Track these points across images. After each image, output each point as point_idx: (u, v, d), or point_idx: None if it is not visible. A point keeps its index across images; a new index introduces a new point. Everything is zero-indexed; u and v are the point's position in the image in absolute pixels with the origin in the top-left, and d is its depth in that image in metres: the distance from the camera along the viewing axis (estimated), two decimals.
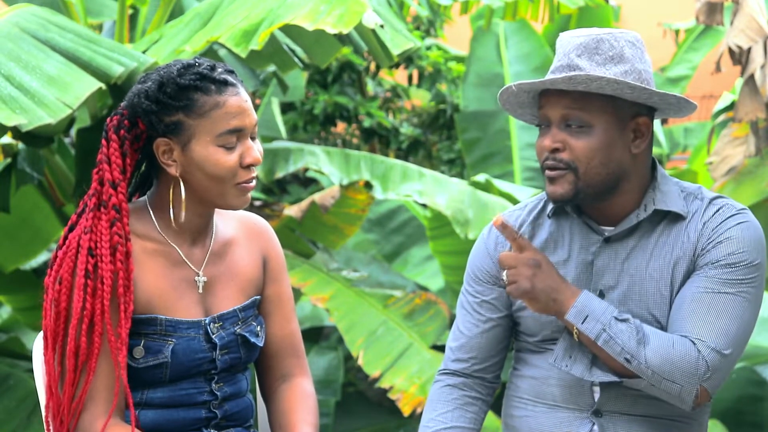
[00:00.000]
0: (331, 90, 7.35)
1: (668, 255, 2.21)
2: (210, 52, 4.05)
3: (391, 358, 4.31)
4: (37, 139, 3.84)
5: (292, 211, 4.92)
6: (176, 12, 4.66)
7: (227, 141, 2.14)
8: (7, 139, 4.24)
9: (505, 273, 2.17)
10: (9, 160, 4.35)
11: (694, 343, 2.13)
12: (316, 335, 6.40)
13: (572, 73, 2.12)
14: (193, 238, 2.22)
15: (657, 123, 8.26)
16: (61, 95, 3.32)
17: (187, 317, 2.18)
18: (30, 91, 3.30)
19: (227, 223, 2.31)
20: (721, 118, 5.53)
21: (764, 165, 5.02)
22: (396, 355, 4.32)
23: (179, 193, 2.17)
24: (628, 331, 2.13)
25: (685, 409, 2.16)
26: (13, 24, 3.54)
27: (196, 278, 2.21)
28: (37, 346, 2.24)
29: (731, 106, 5.45)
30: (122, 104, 2.19)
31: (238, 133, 2.15)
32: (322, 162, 4.91)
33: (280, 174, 4.92)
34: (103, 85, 3.43)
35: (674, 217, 2.23)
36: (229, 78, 2.16)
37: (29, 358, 4.44)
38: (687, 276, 2.20)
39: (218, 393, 2.23)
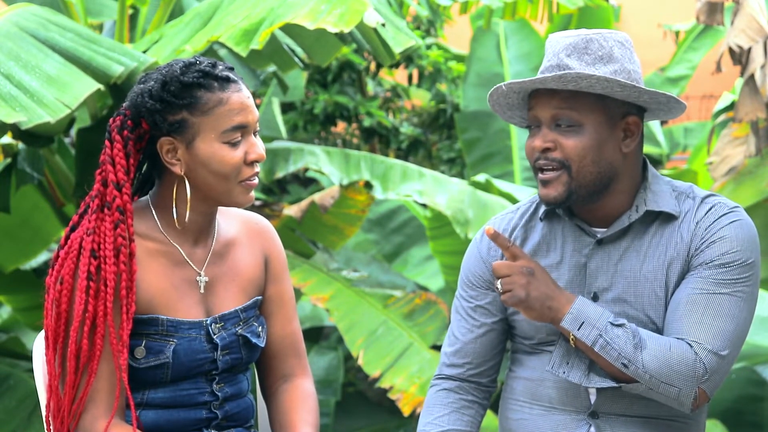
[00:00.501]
0: (331, 89, 7.34)
1: (662, 256, 2.20)
2: (210, 51, 4.05)
3: (391, 358, 4.31)
4: (37, 138, 3.84)
5: (292, 211, 4.92)
6: (176, 12, 4.66)
7: (232, 137, 2.14)
8: (7, 139, 4.24)
9: (499, 282, 2.17)
10: (9, 160, 4.35)
11: (691, 346, 2.13)
12: (316, 335, 6.40)
13: (562, 72, 2.12)
14: (195, 238, 2.22)
15: (657, 123, 8.27)
16: (60, 95, 3.32)
17: (188, 317, 2.18)
18: (30, 91, 3.30)
19: (229, 222, 2.30)
20: (721, 118, 5.53)
21: (764, 165, 5.01)
22: (396, 355, 4.32)
23: (183, 192, 2.17)
24: (624, 336, 2.13)
25: (684, 411, 2.16)
26: (13, 23, 3.54)
27: (198, 278, 2.21)
28: (38, 346, 2.24)
29: (731, 106, 5.45)
30: (124, 104, 2.18)
31: (242, 129, 2.15)
32: (322, 162, 4.91)
33: (280, 174, 4.92)
34: (102, 86, 3.42)
35: (667, 217, 2.22)
36: (231, 75, 2.16)
37: (29, 358, 4.44)
38: (682, 276, 2.20)
39: (219, 393, 2.22)
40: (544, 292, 2.15)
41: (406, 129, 7.64)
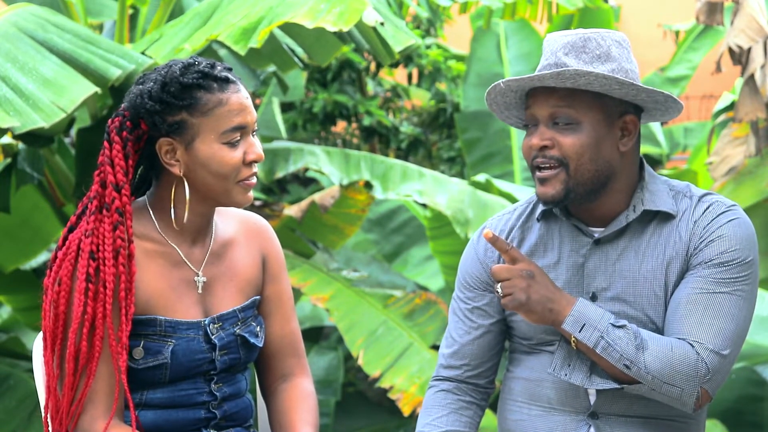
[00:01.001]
0: (331, 88, 7.35)
1: (660, 255, 2.20)
2: (210, 51, 4.05)
3: (391, 358, 4.31)
4: (37, 139, 3.84)
5: (292, 211, 4.92)
6: (176, 12, 4.66)
7: (231, 138, 2.14)
8: (7, 139, 4.24)
9: (499, 285, 2.16)
10: (9, 160, 4.35)
11: (693, 346, 2.12)
12: (316, 335, 6.40)
13: (561, 69, 2.11)
14: (193, 238, 2.22)
15: (656, 123, 8.26)
16: (56, 98, 3.31)
17: (186, 318, 2.18)
18: (25, 94, 3.30)
19: (227, 222, 2.30)
20: (721, 118, 5.53)
21: (764, 165, 5.01)
22: (396, 355, 4.32)
23: (181, 193, 2.17)
24: (626, 337, 2.12)
25: (686, 411, 2.15)
26: (12, 24, 3.54)
27: (196, 278, 2.21)
28: (37, 346, 2.24)
29: (731, 106, 5.45)
30: (123, 105, 2.18)
31: (241, 130, 2.15)
32: (322, 162, 4.91)
33: (280, 174, 4.93)
34: (98, 90, 3.42)
35: (664, 217, 2.22)
36: (230, 75, 2.16)
37: (29, 358, 4.44)
38: (681, 276, 2.19)
39: (217, 393, 2.22)
40: (544, 295, 2.14)
41: (406, 128, 7.64)
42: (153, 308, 2.15)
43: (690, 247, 2.19)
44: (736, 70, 5.96)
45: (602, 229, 2.23)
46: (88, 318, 2.08)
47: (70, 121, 4.20)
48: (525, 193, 5.14)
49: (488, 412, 3.83)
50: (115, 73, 3.46)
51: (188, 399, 2.20)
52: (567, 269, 2.24)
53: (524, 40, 7.09)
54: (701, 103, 10.29)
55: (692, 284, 2.16)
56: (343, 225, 5.23)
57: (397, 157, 7.72)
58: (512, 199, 4.95)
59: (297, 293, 4.37)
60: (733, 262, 2.16)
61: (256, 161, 2.17)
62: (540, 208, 2.29)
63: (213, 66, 2.16)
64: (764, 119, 4.93)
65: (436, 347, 4.46)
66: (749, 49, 4.85)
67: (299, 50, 4.42)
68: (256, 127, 2.19)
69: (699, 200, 2.23)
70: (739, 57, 4.89)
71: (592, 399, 2.21)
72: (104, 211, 2.12)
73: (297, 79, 6.39)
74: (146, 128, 2.15)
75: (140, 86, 2.16)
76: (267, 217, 4.70)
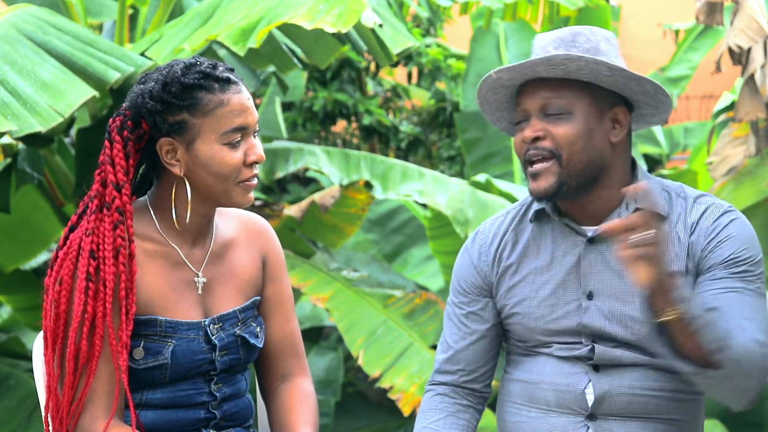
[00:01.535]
0: (331, 87, 7.35)
1: None
2: (209, 51, 4.05)
3: (391, 358, 4.31)
4: (36, 139, 3.84)
5: (292, 211, 4.92)
6: (176, 12, 4.66)
7: (232, 139, 2.14)
8: (7, 139, 4.24)
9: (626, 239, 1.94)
10: (9, 160, 4.35)
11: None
12: (316, 335, 6.41)
13: (551, 54, 2.11)
14: (193, 239, 2.22)
15: None
16: (53, 102, 3.31)
17: (186, 318, 2.18)
18: (23, 97, 3.30)
19: (227, 223, 2.30)
20: (721, 118, 5.53)
21: (764, 165, 5.01)
22: (396, 355, 4.32)
23: (182, 193, 2.17)
24: (716, 319, 2.02)
25: (739, 408, 2.09)
26: (11, 25, 3.53)
27: (196, 279, 2.21)
28: (37, 346, 2.24)
29: (731, 106, 5.45)
30: (124, 105, 2.18)
31: (242, 131, 2.15)
32: (322, 162, 4.91)
33: (280, 174, 4.93)
34: (96, 93, 3.42)
35: (659, 217, 2.21)
36: (231, 76, 2.16)
37: (29, 358, 4.44)
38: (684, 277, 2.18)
39: (217, 394, 2.23)
40: (666, 255, 1.98)
41: (406, 127, 7.65)
42: (153, 308, 2.15)
43: (694, 250, 2.18)
44: (736, 70, 5.96)
45: (595, 227, 2.22)
46: (88, 317, 2.08)
47: (70, 121, 4.20)
48: (525, 193, 5.12)
49: (488, 411, 3.83)
50: (113, 76, 3.46)
51: (188, 399, 2.20)
52: (562, 269, 2.23)
53: (524, 40, 7.10)
54: (701, 103, 10.29)
55: (717, 285, 2.13)
56: (343, 225, 5.24)
57: (397, 156, 7.73)
58: (512, 199, 4.96)
59: (297, 293, 4.37)
60: (749, 260, 2.15)
61: (256, 162, 2.17)
62: (533, 209, 2.29)
63: (215, 66, 2.16)
64: (764, 119, 4.93)
65: (436, 347, 4.46)
66: (749, 49, 4.85)
67: (299, 51, 4.42)
68: (257, 128, 2.19)
69: (694, 202, 2.22)
70: (739, 57, 4.89)
71: (590, 401, 2.20)
72: (104, 211, 2.12)
73: (297, 79, 6.39)
74: (147, 128, 2.15)
75: (142, 86, 2.17)
76: (267, 217, 4.70)
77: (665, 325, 2.02)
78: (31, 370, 4.08)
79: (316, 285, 4.53)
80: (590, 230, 2.22)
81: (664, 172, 6.84)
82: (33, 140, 3.87)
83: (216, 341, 2.20)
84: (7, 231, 4.71)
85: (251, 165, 2.16)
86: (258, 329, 2.28)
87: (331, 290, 4.53)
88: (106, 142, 2.15)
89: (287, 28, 3.72)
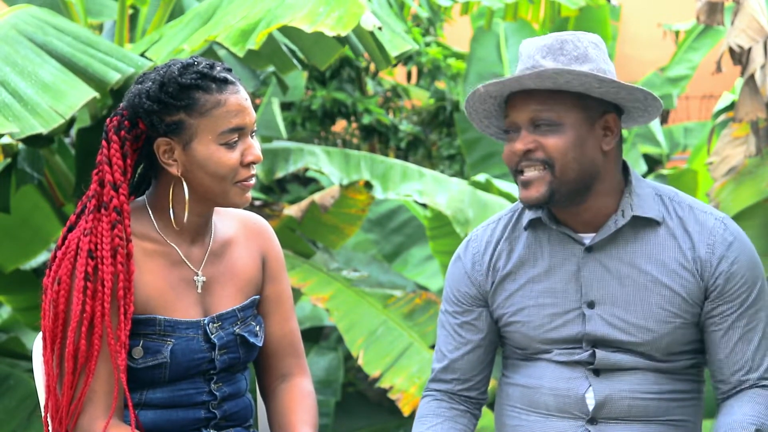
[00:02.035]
0: (330, 86, 7.34)
1: (659, 262, 2.18)
2: (209, 52, 4.05)
3: (391, 358, 4.31)
4: (36, 139, 3.84)
5: (292, 211, 4.93)
6: (176, 12, 4.66)
7: (229, 139, 2.14)
8: (7, 139, 4.24)
9: None
10: (9, 160, 4.35)
11: None
12: (316, 335, 6.41)
13: (540, 69, 2.09)
14: (192, 238, 2.22)
15: (656, 123, 8.27)
16: (54, 104, 3.31)
17: (185, 317, 2.18)
18: (24, 99, 3.30)
19: (226, 222, 2.30)
20: (721, 118, 5.52)
21: (764, 165, 5.01)
22: (396, 355, 4.32)
23: (180, 193, 2.17)
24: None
25: None
26: (11, 26, 3.53)
27: (195, 278, 2.21)
28: (37, 346, 2.24)
29: (731, 106, 5.45)
30: (122, 104, 2.18)
31: (239, 131, 2.15)
32: (321, 162, 4.91)
33: (280, 174, 4.93)
34: (97, 94, 3.42)
35: (655, 223, 2.20)
36: (229, 76, 2.16)
37: (29, 358, 4.44)
38: (680, 284, 2.17)
39: (217, 393, 2.23)
40: None
41: (406, 127, 7.64)
42: (152, 308, 2.16)
43: (697, 266, 2.17)
44: (736, 70, 5.96)
45: (592, 235, 2.20)
46: (87, 316, 2.08)
47: (70, 121, 4.20)
48: None
49: (487, 411, 3.83)
50: (114, 77, 3.46)
51: (188, 399, 2.20)
52: (561, 278, 2.21)
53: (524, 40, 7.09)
54: (701, 103, 10.29)
55: (729, 322, 2.17)
56: (343, 225, 5.23)
57: (397, 155, 7.73)
58: (512, 199, 4.95)
59: (297, 293, 4.37)
60: (755, 288, 2.18)
61: (254, 163, 2.17)
62: (526, 216, 2.26)
63: (212, 66, 2.16)
64: (764, 119, 4.93)
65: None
66: (749, 49, 4.84)
67: (299, 51, 4.42)
68: (255, 128, 2.19)
69: (690, 210, 2.21)
70: (740, 57, 4.88)
71: (591, 405, 2.19)
72: (102, 210, 2.12)
73: (297, 79, 6.39)
74: (144, 128, 2.15)
75: (139, 86, 2.17)
76: (267, 217, 4.71)
77: None
78: (31, 370, 4.08)
79: (316, 285, 4.53)
80: (587, 238, 2.21)
81: (664, 172, 6.83)
82: (33, 140, 3.87)
83: (215, 340, 2.20)
84: (7, 231, 4.71)
85: (248, 165, 2.16)
86: (257, 328, 2.28)
87: (331, 290, 4.54)
88: (104, 142, 2.15)
89: (286, 30, 3.72)
